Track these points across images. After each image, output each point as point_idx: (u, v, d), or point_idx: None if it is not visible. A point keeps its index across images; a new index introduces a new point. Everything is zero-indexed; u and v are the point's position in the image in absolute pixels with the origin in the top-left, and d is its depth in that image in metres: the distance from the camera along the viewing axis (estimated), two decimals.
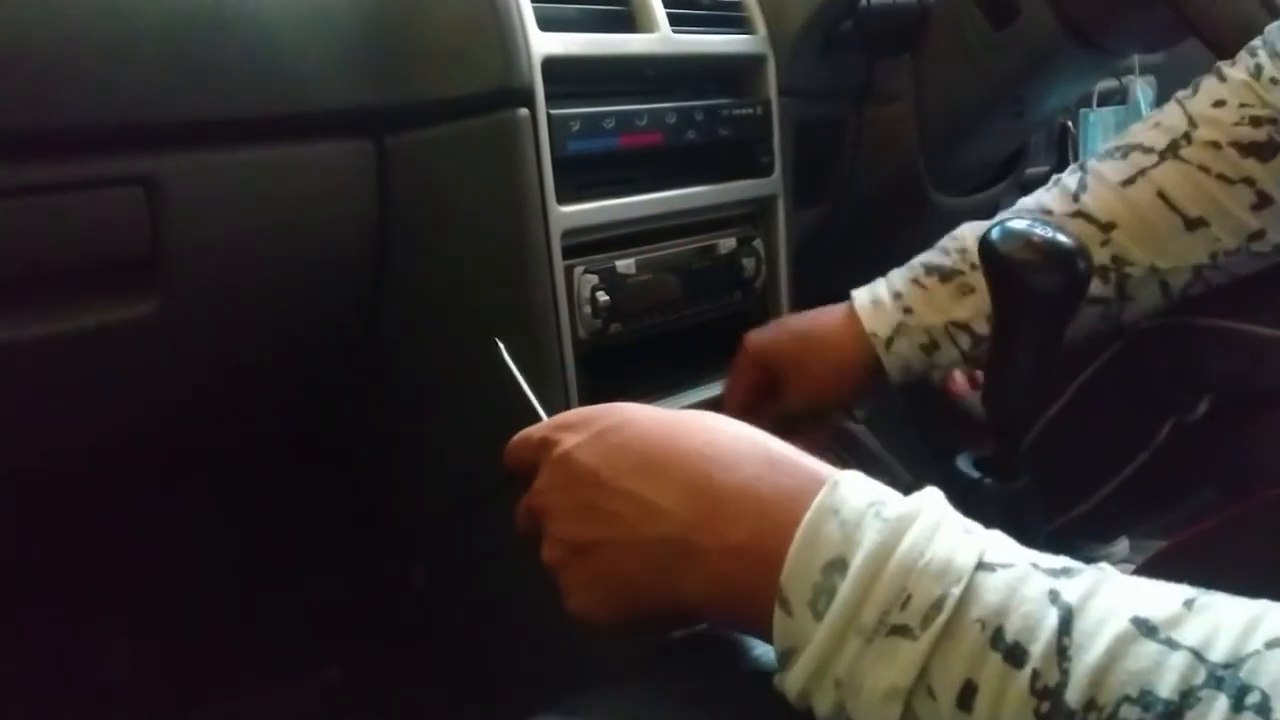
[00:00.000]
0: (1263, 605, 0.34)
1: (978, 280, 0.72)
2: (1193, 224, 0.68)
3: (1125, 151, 0.71)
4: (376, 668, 0.94)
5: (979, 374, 1.09)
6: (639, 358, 0.74)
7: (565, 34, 0.70)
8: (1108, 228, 0.69)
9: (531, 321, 0.70)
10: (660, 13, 0.77)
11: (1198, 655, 0.33)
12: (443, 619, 0.85)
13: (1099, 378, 0.80)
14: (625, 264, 0.74)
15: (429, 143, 0.68)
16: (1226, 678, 0.32)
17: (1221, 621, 0.34)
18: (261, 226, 0.64)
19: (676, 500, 0.42)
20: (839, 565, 0.38)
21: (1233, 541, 0.62)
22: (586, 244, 0.73)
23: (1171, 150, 0.69)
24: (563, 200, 0.69)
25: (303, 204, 0.66)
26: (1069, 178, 0.73)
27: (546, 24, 0.69)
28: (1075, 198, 0.71)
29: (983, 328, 0.71)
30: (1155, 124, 0.71)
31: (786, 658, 0.40)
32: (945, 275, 0.73)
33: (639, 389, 0.76)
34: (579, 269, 0.71)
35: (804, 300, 0.86)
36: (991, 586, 0.37)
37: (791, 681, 0.39)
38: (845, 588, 0.37)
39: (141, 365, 0.63)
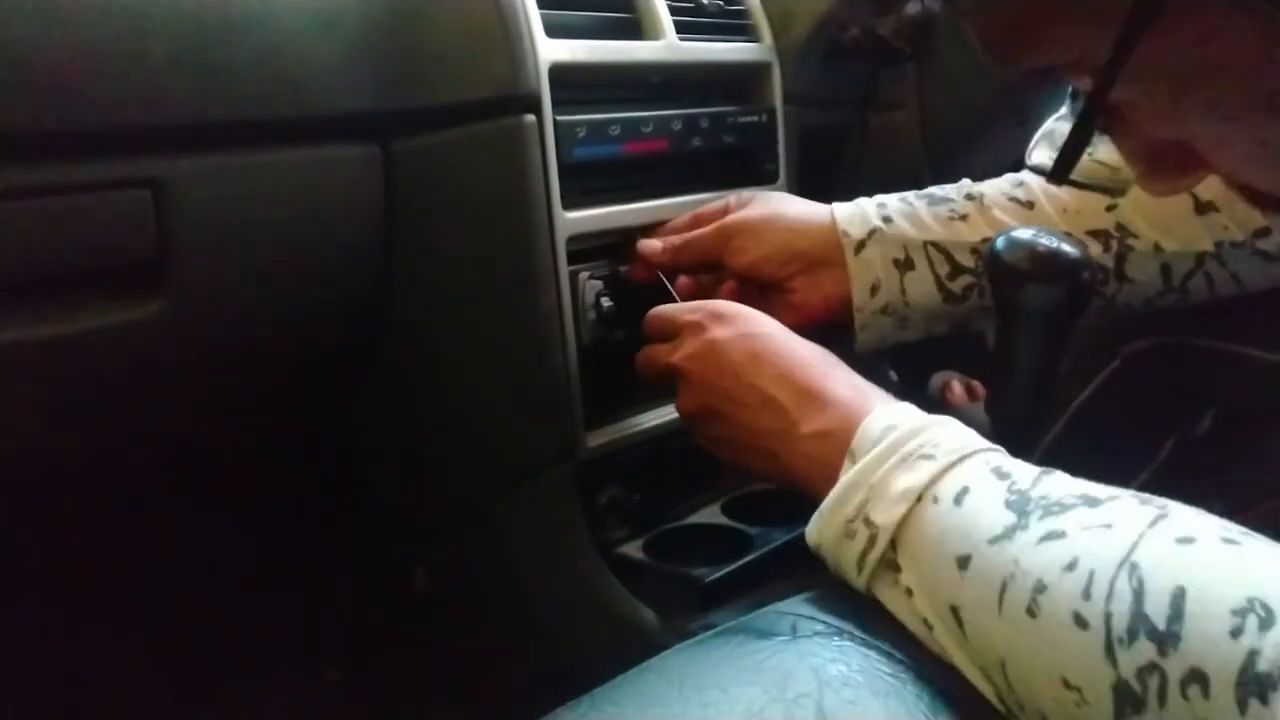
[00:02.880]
0: None
1: (970, 210, 0.71)
2: (1203, 207, 0.68)
3: None
4: (377, 669, 0.94)
5: (977, 385, 1.09)
6: None
7: (572, 41, 0.70)
8: (1115, 193, 0.69)
9: (536, 326, 0.70)
10: (666, 20, 0.77)
11: (1135, 497, 0.44)
12: (444, 621, 0.85)
13: (1097, 399, 0.80)
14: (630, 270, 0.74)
15: (435, 148, 0.68)
16: (1144, 496, 0.44)
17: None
18: (267, 229, 0.64)
19: (789, 396, 0.57)
20: (893, 428, 0.52)
21: None
22: (591, 249, 0.73)
23: None
24: (568, 206, 0.70)
25: (309, 207, 0.66)
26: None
27: (553, 31, 0.69)
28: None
29: (966, 259, 0.70)
30: None
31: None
32: (934, 200, 0.72)
33: (642, 394, 0.76)
34: (584, 274, 0.72)
35: None
36: (999, 455, 0.50)
37: (832, 493, 0.51)
38: (895, 433, 0.51)
39: (146, 367, 0.63)
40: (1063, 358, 0.62)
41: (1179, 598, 0.37)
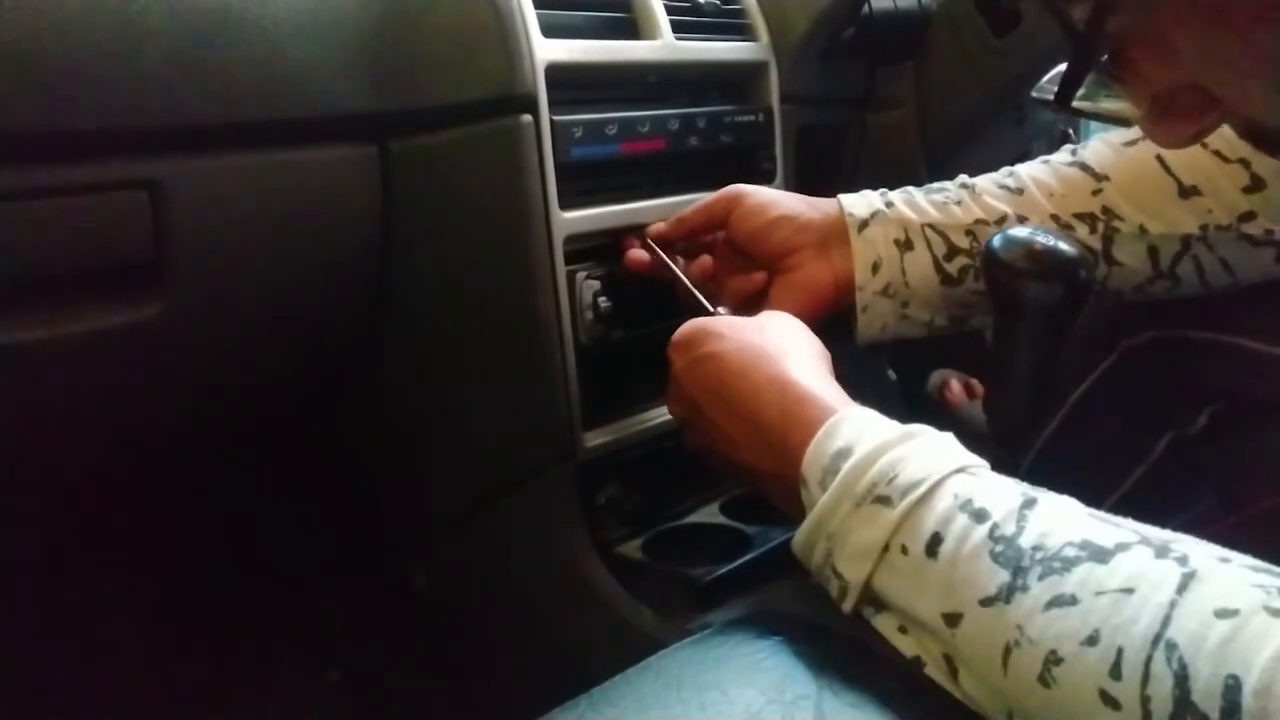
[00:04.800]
0: None
1: (963, 195, 0.73)
2: (1186, 191, 0.69)
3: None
4: (377, 671, 0.94)
5: (975, 383, 1.09)
6: (641, 363, 0.74)
7: (569, 40, 0.70)
8: (1101, 178, 0.71)
9: (533, 326, 0.70)
10: (663, 20, 0.77)
11: (1137, 531, 0.42)
12: (443, 622, 0.85)
13: (1093, 394, 0.80)
14: None
15: (433, 148, 0.69)
16: (1156, 543, 0.40)
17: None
18: (265, 230, 0.64)
19: (744, 437, 0.56)
20: (846, 453, 0.49)
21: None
22: (589, 249, 0.73)
23: None
24: (565, 206, 0.70)
25: (307, 208, 0.66)
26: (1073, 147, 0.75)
27: (550, 31, 0.69)
28: (1074, 152, 0.73)
29: (961, 240, 0.71)
30: None
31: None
32: (930, 190, 0.74)
33: (640, 394, 0.76)
34: (581, 274, 0.72)
35: None
36: (967, 479, 0.46)
37: (798, 536, 0.50)
38: (847, 465, 0.48)
39: (144, 369, 0.63)
40: (1060, 354, 0.62)
41: (1233, 689, 0.34)
